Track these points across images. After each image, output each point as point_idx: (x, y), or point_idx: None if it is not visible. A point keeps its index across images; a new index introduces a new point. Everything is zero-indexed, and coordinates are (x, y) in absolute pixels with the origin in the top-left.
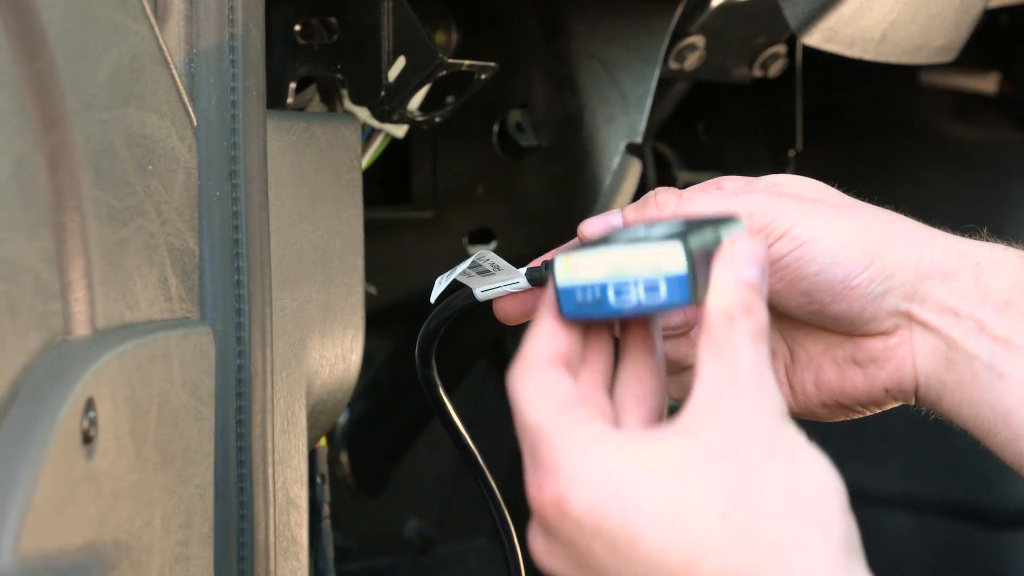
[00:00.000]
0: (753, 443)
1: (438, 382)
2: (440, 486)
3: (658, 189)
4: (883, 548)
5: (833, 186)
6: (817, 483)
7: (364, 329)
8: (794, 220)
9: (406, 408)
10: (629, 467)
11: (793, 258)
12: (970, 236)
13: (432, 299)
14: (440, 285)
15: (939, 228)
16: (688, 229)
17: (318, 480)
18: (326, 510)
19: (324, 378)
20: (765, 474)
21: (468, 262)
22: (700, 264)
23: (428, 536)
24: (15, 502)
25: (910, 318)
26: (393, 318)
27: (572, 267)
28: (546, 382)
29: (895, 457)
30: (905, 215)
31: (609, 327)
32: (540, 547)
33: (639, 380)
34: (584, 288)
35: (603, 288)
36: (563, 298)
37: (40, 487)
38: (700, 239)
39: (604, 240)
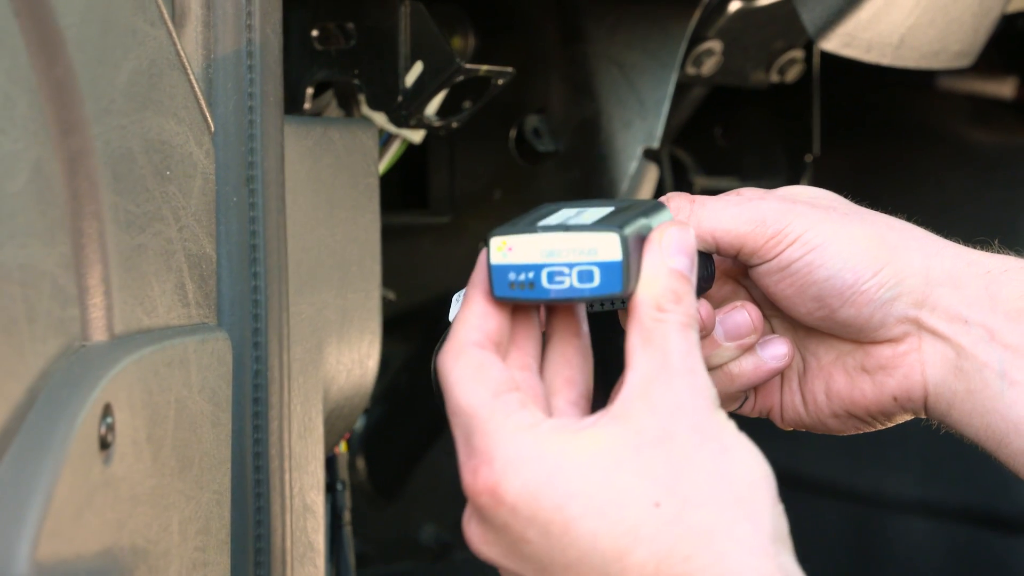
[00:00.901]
0: (686, 431)
1: None
2: (457, 491)
3: (671, 194)
4: (901, 553)
5: (851, 191)
6: (748, 473)
7: (381, 334)
8: (806, 226)
9: (423, 413)
10: (563, 454)
11: (804, 263)
12: (981, 248)
13: (450, 317)
14: (457, 303)
15: (958, 231)
16: (620, 216)
17: (339, 486)
18: (347, 516)
19: (341, 383)
20: (697, 462)
21: None
22: (633, 252)
23: (445, 542)
24: (33, 508)
25: (919, 325)
26: (410, 323)
27: (507, 247)
28: (479, 365)
29: (913, 462)
30: (924, 219)
31: (536, 309)
32: (475, 534)
33: (567, 363)
34: (518, 269)
35: (537, 271)
36: (496, 278)
37: (57, 493)
38: (634, 227)
39: (535, 221)
